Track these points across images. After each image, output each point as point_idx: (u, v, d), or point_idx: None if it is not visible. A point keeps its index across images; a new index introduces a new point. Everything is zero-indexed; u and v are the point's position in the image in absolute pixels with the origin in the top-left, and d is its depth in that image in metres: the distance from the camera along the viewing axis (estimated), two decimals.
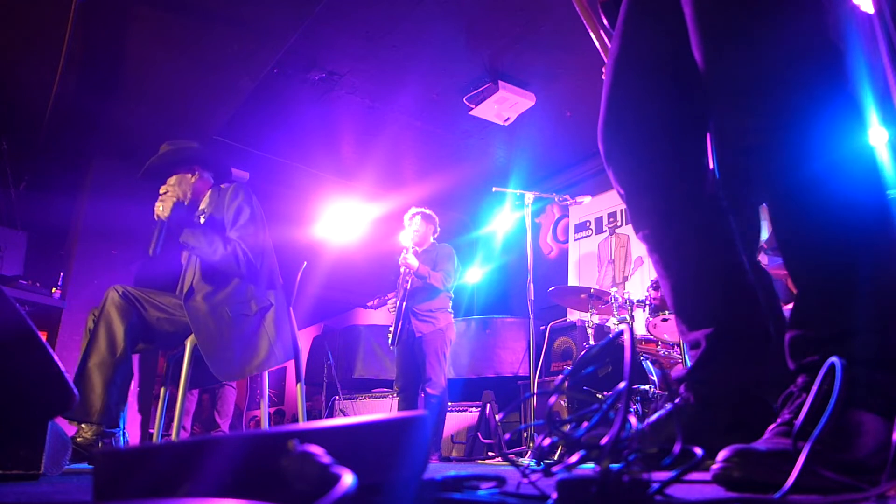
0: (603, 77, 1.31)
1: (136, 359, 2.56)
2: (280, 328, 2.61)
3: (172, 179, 2.72)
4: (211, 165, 2.84)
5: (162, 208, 2.60)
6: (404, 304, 4.08)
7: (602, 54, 1.50)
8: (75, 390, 1.12)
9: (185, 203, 2.71)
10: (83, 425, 2.25)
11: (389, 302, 4.36)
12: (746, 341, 1.14)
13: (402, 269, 4.12)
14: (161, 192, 2.70)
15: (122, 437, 2.36)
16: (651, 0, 1.25)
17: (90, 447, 2.19)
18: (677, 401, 1.17)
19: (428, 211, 4.37)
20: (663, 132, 1.23)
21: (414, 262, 4.05)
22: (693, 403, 1.14)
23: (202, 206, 2.76)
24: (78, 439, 2.23)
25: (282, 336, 2.60)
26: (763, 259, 3.20)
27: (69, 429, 2.29)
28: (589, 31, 1.54)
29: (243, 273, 2.54)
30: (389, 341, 4.11)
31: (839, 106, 0.93)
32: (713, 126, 1.21)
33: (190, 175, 2.74)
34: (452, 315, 4.21)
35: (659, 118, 1.23)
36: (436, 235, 4.39)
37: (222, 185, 2.81)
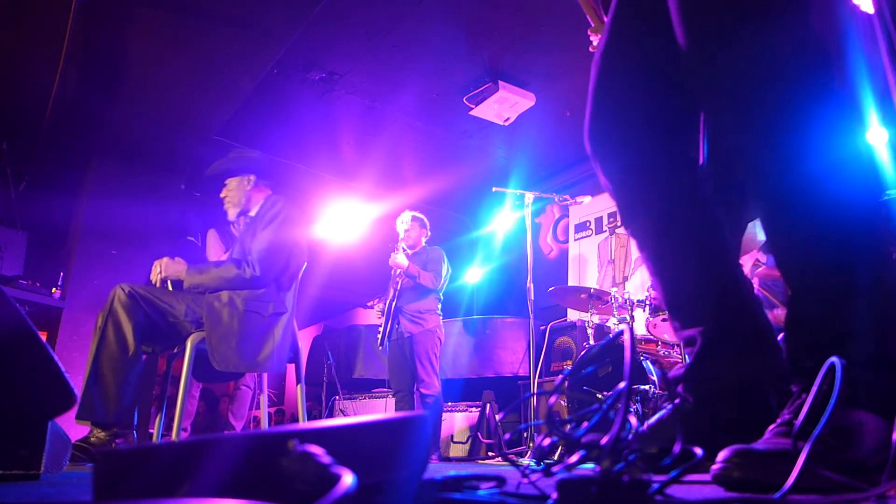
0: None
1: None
2: (285, 336, 2.66)
3: (232, 182, 2.87)
4: (270, 175, 2.98)
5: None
6: (394, 303, 4.13)
7: None
8: (75, 390, 1.12)
9: (240, 207, 2.88)
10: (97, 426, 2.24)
11: (377, 307, 4.38)
12: (742, 335, 1.13)
13: (394, 272, 4.17)
14: (221, 195, 2.88)
15: (135, 437, 2.36)
16: None
17: (104, 447, 2.18)
18: (676, 401, 1.16)
19: (420, 214, 4.41)
20: (649, 127, 1.22)
21: (403, 261, 4.10)
22: (692, 402, 1.13)
23: (252, 212, 2.89)
24: (92, 439, 2.20)
25: (283, 344, 2.65)
26: (763, 258, 3.19)
27: (80, 429, 2.27)
28: (591, 23, 1.53)
29: (250, 284, 2.61)
30: (378, 341, 4.16)
31: (835, 106, 0.92)
32: (706, 125, 1.20)
33: (247, 181, 2.87)
34: (441, 317, 4.25)
35: (645, 113, 1.22)
36: (427, 238, 4.42)
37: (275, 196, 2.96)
